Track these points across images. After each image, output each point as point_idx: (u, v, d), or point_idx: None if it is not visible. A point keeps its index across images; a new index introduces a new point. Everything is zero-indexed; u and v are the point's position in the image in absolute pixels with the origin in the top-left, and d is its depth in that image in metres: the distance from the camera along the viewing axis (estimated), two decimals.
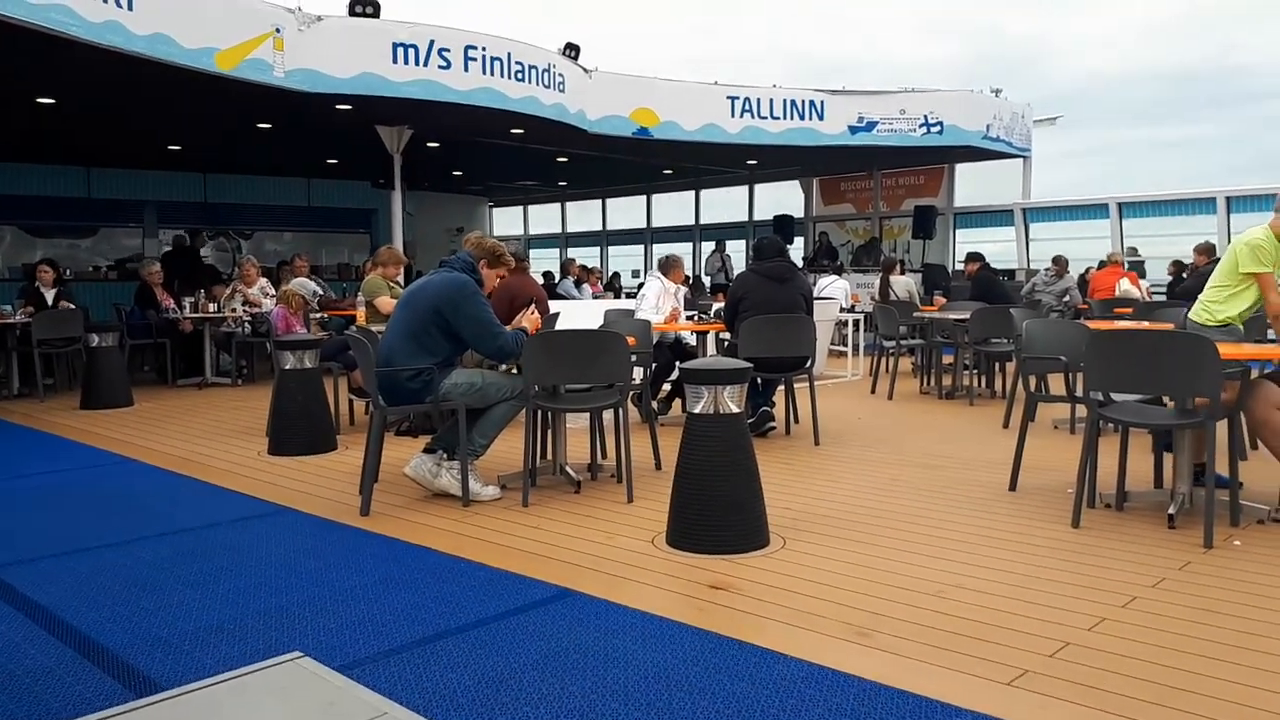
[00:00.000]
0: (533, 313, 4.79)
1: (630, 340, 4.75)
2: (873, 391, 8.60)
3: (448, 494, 4.65)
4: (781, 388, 6.66)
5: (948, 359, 8.82)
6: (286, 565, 3.67)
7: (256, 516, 4.42)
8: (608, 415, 5.58)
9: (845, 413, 7.47)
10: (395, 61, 9.40)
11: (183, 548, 3.90)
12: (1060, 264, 11.34)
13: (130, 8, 7.46)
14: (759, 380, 6.29)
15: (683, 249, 19.93)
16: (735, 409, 3.81)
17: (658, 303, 6.97)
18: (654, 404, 6.60)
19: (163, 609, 3.19)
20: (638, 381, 5.64)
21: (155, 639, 2.94)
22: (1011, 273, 14.85)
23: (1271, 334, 4.65)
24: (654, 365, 6.34)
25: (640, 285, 7.37)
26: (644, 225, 21.43)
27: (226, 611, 3.17)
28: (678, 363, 6.25)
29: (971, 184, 16.85)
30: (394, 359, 4.48)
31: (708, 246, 19.78)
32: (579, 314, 8.05)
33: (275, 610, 3.18)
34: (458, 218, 20.30)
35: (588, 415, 5.54)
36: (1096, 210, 14.98)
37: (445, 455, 4.72)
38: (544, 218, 23.47)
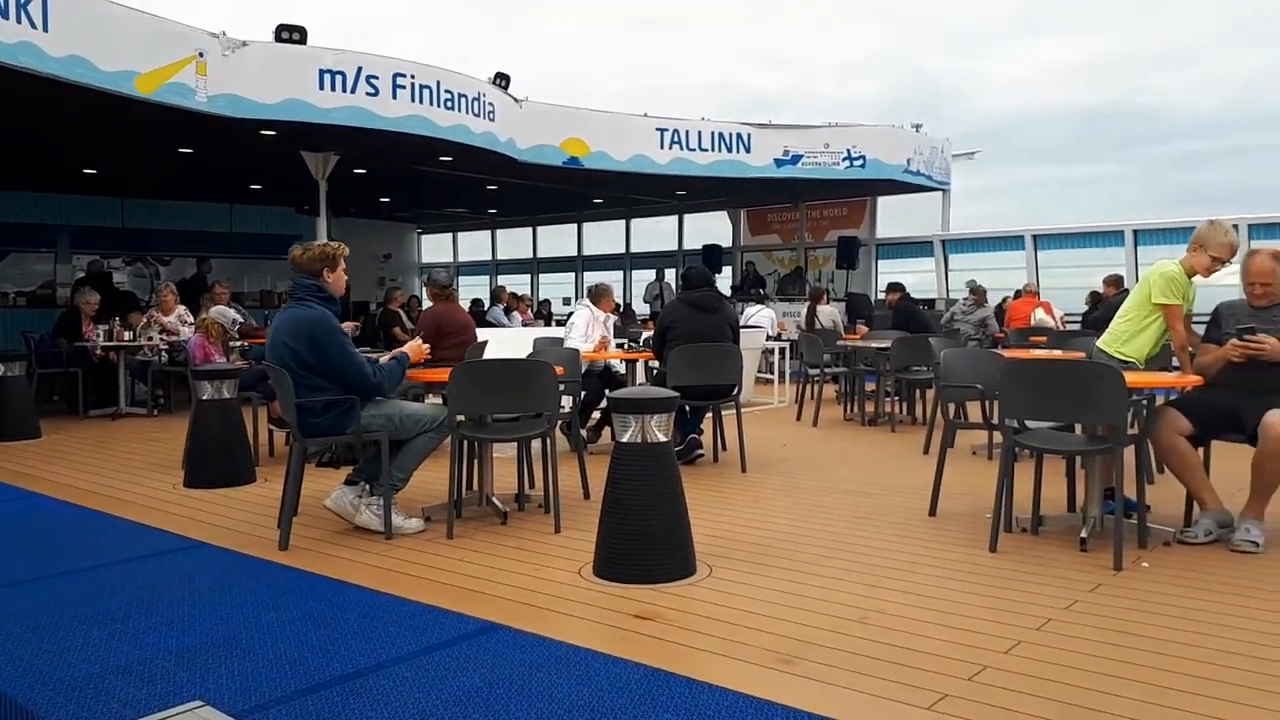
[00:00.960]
0: (421, 344, 4.71)
1: (558, 369, 4.71)
2: (798, 418, 8.69)
3: (369, 529, 4.54)
4: (709, 415, 6.70)
5: (870, 386, 8.99)
6: (201, 602, 3.54)
7: (170, 551, 4.26)
8: (536, 444, 5.52)
9: (772, 440, 7.53)
10: (322, 88, 9.29)
11: (92, 585, 3.74)
12: (978, 293, 11.66)
13: (45, 29, 7.25)
14: (687, 408, 6.31)
15: (613, 277, 19.97)
16: (663, 437, 3.81)
17: (587, 331, 6.96)
18: (583, 433, 6.58)
19: (68, 650, 3.06)
20: (566, 410, 5.60)
21: (58, 682, 2.82)
22: (931, 302, 15.23)
23: (1175, 363, 4.82)
24: (582, 394, 6.30)
25: (571, 313, 7.34)
26: (575, 253, 21.45)
27: (136, 652, 3.04)
28: (606, 391, 6.24)
29: (893, 216, 17.31)
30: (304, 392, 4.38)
31: (639, 275, 19.87)
32: (508, 342, 8.01)
33: (188, 649, 3.06)
34: (385, 244, 20.05)
35: (515, 444, 5.49)
36: (1012, 242, 15.49)
37: (367, 488, 4.62)
38: (474, 245, 23.31)
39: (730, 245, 18.70)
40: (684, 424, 6.31)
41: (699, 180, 14.01)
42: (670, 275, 17.97)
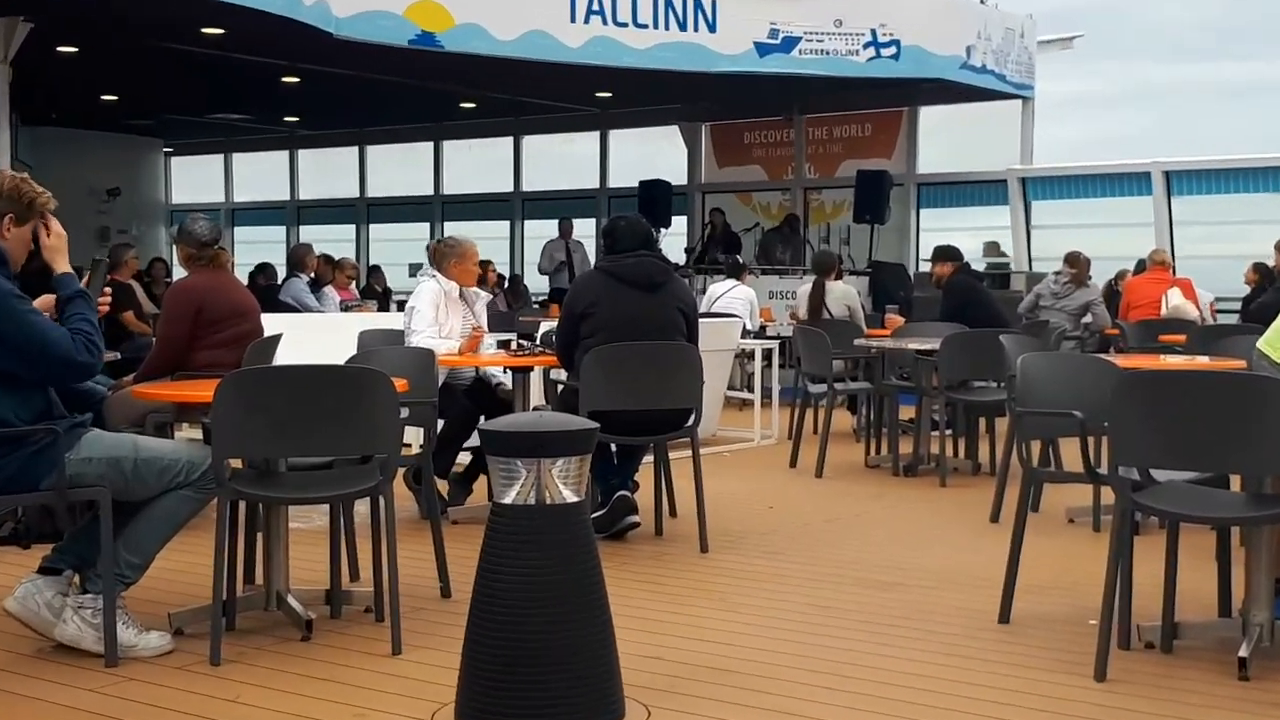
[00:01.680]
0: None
1: (399, 383, 4.67)
2: (793, 464, 8.77)
3: (79, 648, 4.44)
4: (649, 459, 6.70)
5: (907, 412, 9.06)
6: None
7: None
8: (361, 508, 5.50)
9: (750, 499, 7.54)
10: None
11: None
12: (1079, 265, 11.92)
13: None
14: (612, 448, 6.32)
15: (492, 232, 20.05)
16: (572, 496, 3.81)
17: (437, 317, 6.95)
18: (440, 487, 6.53)
19: None
20: (414, 451, 5.50)
21: None
22: (1003, 277, 15.54)
23: None
24: (439, 424, 6.29)
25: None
26: (430, 192, 21.35)
27: None
28: (482, 419, 6.21)
29: (944, 140, 17.59)
30: None
31: (535, 229, 19.87)
32: (318, 336, 7.88)
33: None
34: (111, 172, 19.68)
35: (326, 509, 5.42)
36: (1132, 183, 15.86)
37: (77, 580, 4.52)
38: (261, 175, 23.09)
39: (685, 183, 18.82)
40: (606, 473, 6.32)
41: (633, 76, 14.06)
42: (585, 230, 18.00)
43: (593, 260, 16.29)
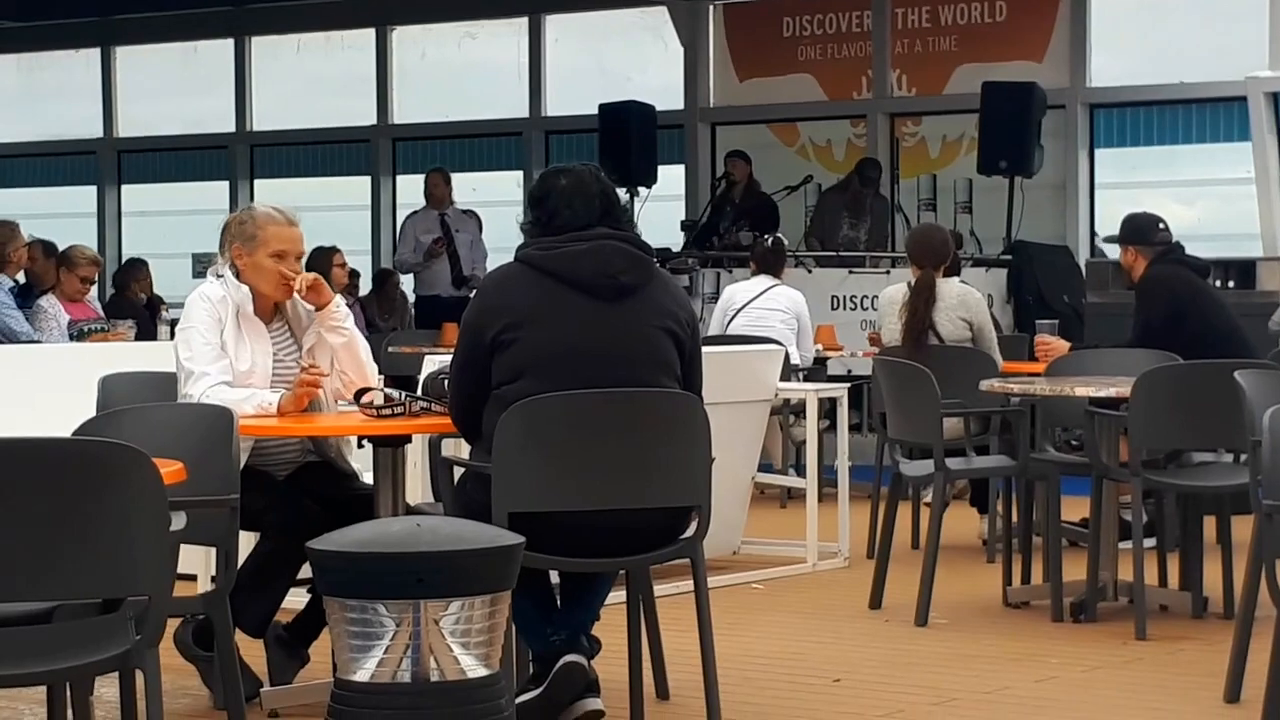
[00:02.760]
0: None
1: (169, 469, 4.67)
2: (875, 604, 8.79)
3: None
4: (619, 597, 6.71)
5: (1077, 508, 9.07)
6: None
7: None
8: (105, 691, 5.45)
9: (800, 668, 7.53)
10: None
11: None
12: None
13: None
14: (554, 579, 6.41)
15: (346, 192, 20.12)
16: (478, 667, 3.82)
17: (229, 351, 6.89)
18: (268, 645, 6.52)
19: None
20: (199, 591, 5.41)
21: None
22: (1245, 267, 15.51)
23: None
24: (258, 536, 6.33)
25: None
26: (230, 128, 21.60)
27: None
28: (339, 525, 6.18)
29: (1134, 29, 17.64)
30: None
31: (409, 187, 19.84)
32: (25, 381, 7.85)
33: None
34: None
35: (43, 696, 5.39)
36: None
37: None
38: None
39: (680, 108, 18.96)
40: (543, 623, 6.33)
41: None
42: (496, 192, 17.99)
43: (502, 252, 16.31)
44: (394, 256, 17.94)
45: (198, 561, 6.41)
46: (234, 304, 6.95)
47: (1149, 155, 17.47)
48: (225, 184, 21.53)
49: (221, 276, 7.05)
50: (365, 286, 19.08)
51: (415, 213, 17.56)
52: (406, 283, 18.15)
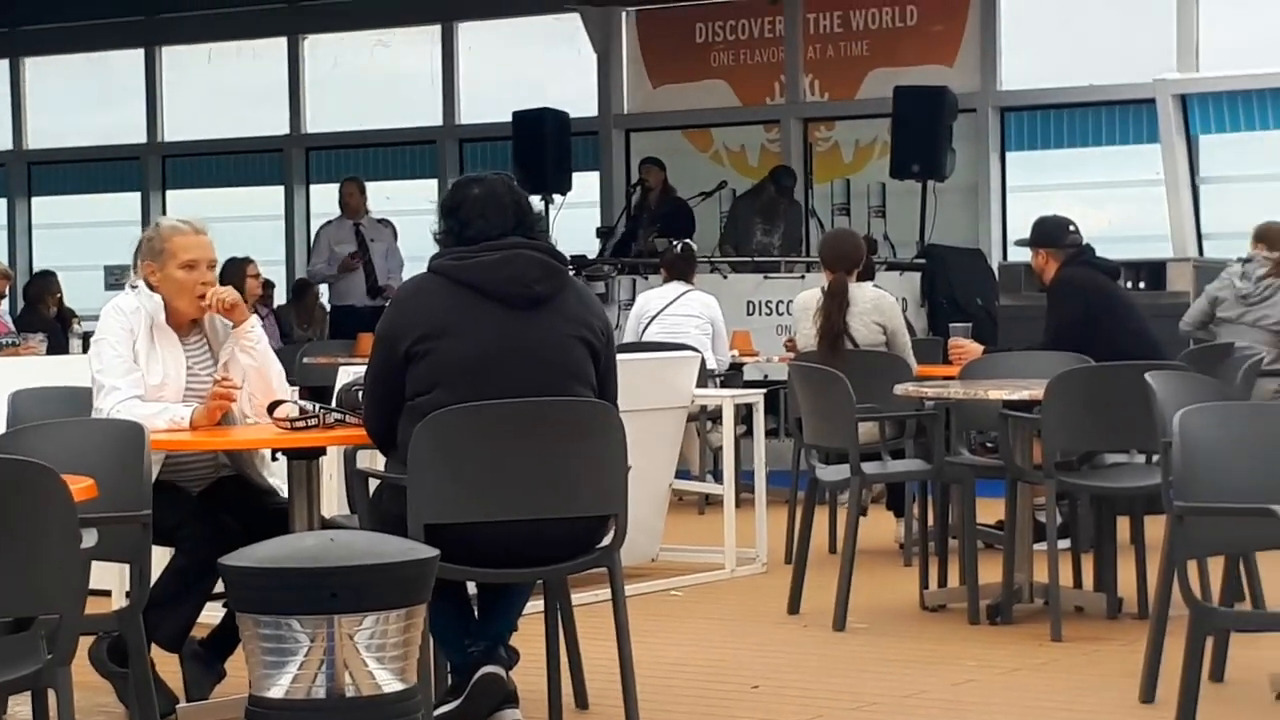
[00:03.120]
0: None
1: (79, 486, 4.64)
2: (793, 608, 8.81)
3: None
4: (537, 606, 6.71)
5: (992, 510, 9.10)
6: None
7: None
8: (20, 710, 5.34)
9: (718, 674, 7.53)
10: None
11: None
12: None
13: None
14: (470, 590, 6.40)
15: (260, 201, 19.93)
16: (393, 681, 3.81)
17: (141, 364, 6.84)
18: (184, 660, 6.49)
19: None
20: (114, 608, 5.37)
21: None
22: (1155, 268, 15.57)
23: None
24: (182, 550, 6.34)
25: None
26: (141, 138, 21.55)
27: None
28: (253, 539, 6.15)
29: (1043, 32, 17.73)
30: None
31: (322, 197, 19.79)
32: None
33: None
34: None
35: None
36: None
37: None
38: None
39: (593, 114, 18.96)
40: (460, 635, 6.33)
41: None
42: (410, 201, 17.95)
43: (417, 261, 16.23)
44: (307, 267, 17.84)
45: (112, 577, 6.36)
46: (147, 315, 6.90)
47: (1059, 158, 17.57)
48: (137, 195, 21.48)
49: (135, 288, 7.01)
50: (280, 297, 19.09)
51: (329, 222, 17.47)
52: (322, 292, 18.04)
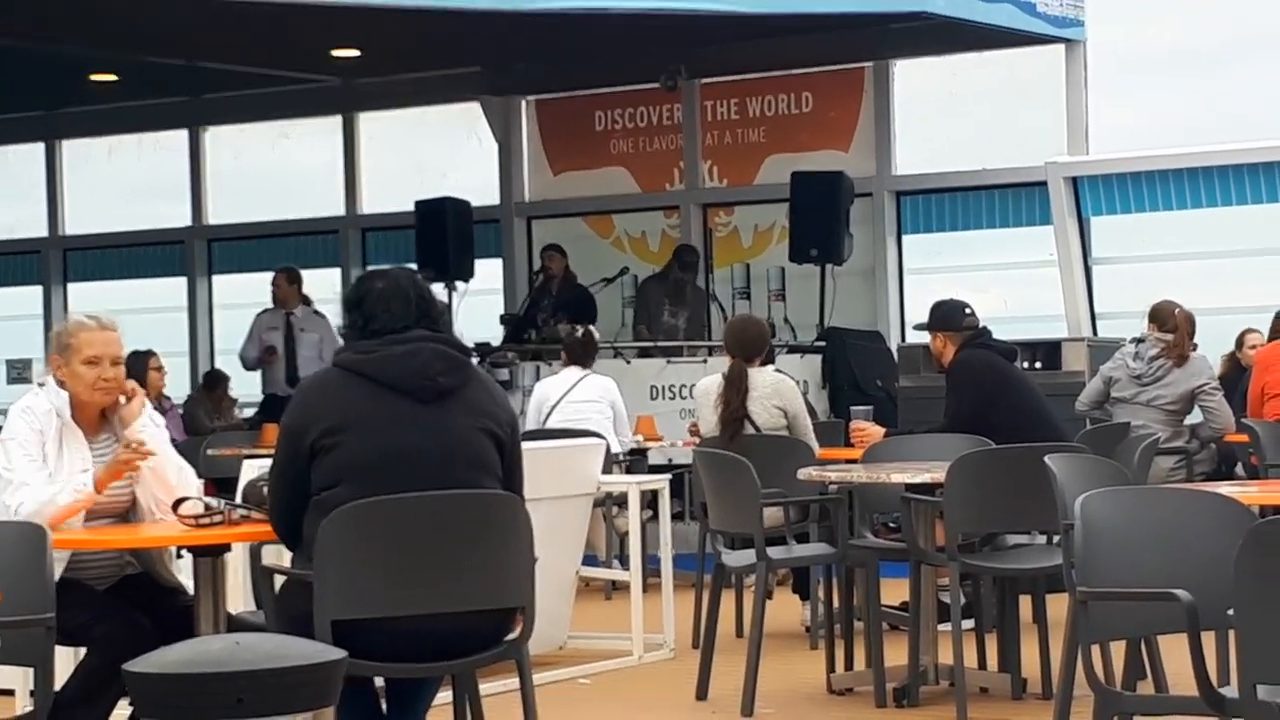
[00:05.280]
0: None
1: None
2: (701, 695, 8.76)
3: None
4: (446, 698, 6.67)
5: (897, 592, 9.09)
6: None
7: None
8: None
9: None
10: None
11: None
12: (1175, 324, 12.03)
13: None
14: (377, 687, 6.37)
15: (162, 294, 19.93)
16: None
17: (49, 464, 6.76)
18: None
19: None
20: (17, 714, 5.32)
21: None
22: (1051, 348, 15.63)
23: None
24: (94, 649, 6.30)
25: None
26: (43, 232, 21.51)
27: None
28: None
29: (936, 118, 17.86)
30: None
31: (239, 288, 19.69)
32: None
33: None
34: None
35: None
36: (1264, 179, 16.07)
37: None
38: None
39: (496, 203, 18.96)
40: None
41: (399, 18, 14.24)
42: (316, 291, 17.89)
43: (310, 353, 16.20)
44: (240, 351, 17.71)
45: (18, 678, 6.26)
46: (57, 415, 6.85)
47: (955, 240, 17.64)
48: (39, 289, 21.31)
49: (44, 384, 6.96)
50: (182, 387, 18.94)
51: (264, 311, 17.39)
52: (251, 380, 17.90)
